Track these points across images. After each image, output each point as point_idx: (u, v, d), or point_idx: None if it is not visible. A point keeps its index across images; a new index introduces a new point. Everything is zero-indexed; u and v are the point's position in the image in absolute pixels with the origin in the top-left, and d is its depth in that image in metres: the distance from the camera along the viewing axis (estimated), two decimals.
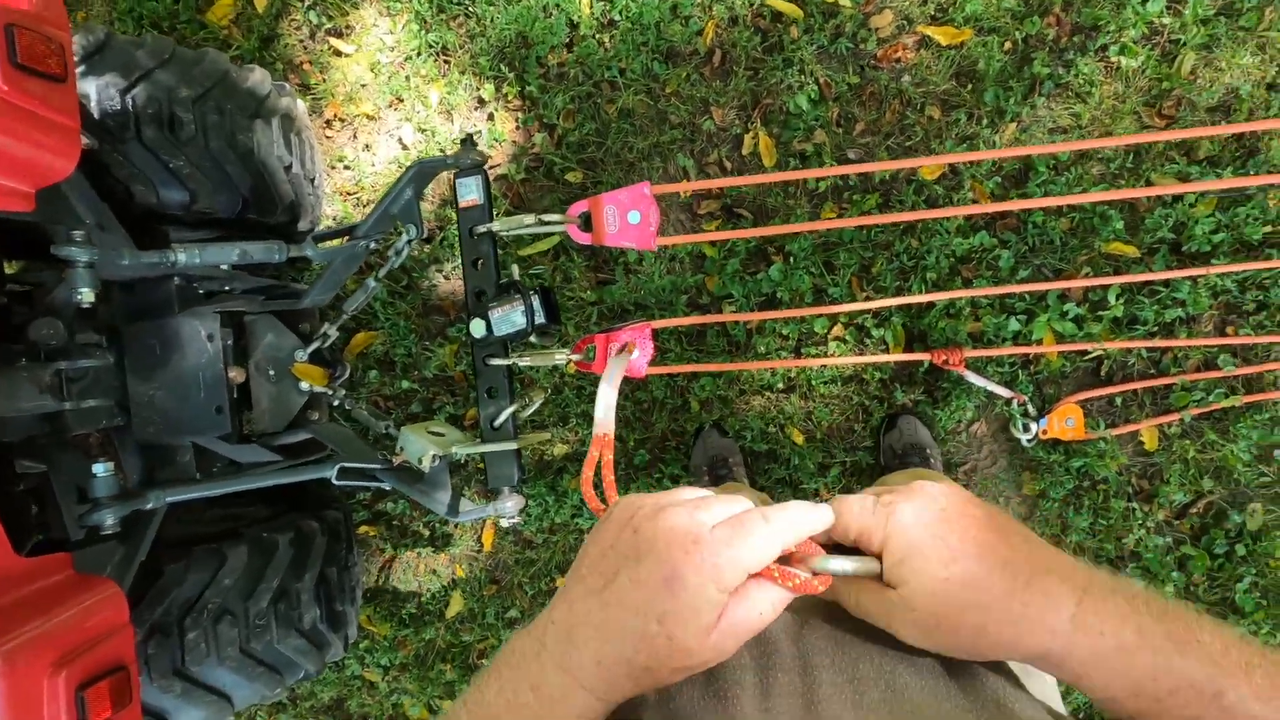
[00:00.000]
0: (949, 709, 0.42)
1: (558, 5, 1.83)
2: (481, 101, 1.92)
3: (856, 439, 1.80)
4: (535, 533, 1.87)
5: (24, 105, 0.90)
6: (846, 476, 1.81)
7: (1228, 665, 0.40)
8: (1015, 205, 1.42)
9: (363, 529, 1.91)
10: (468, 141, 1.35)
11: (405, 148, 1.93)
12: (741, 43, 1.79)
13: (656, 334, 1.81)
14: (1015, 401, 1.69)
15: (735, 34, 1.80)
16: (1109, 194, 1.37)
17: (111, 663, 0.91)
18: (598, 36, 1.86)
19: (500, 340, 1.30)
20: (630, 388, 1.82)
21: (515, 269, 1.29)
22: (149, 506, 1.12)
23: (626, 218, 1.30)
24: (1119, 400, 1.71)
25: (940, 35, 1.73)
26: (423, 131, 1.92)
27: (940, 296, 1.63)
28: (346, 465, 1.36)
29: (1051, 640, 0.41)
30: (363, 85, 1.93)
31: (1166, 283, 1.66)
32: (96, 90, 1.23)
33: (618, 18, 1.84)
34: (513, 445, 1.28)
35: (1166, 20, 1.65)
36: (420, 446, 1.34)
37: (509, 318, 1.23)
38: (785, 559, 0.43)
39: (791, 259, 1.76)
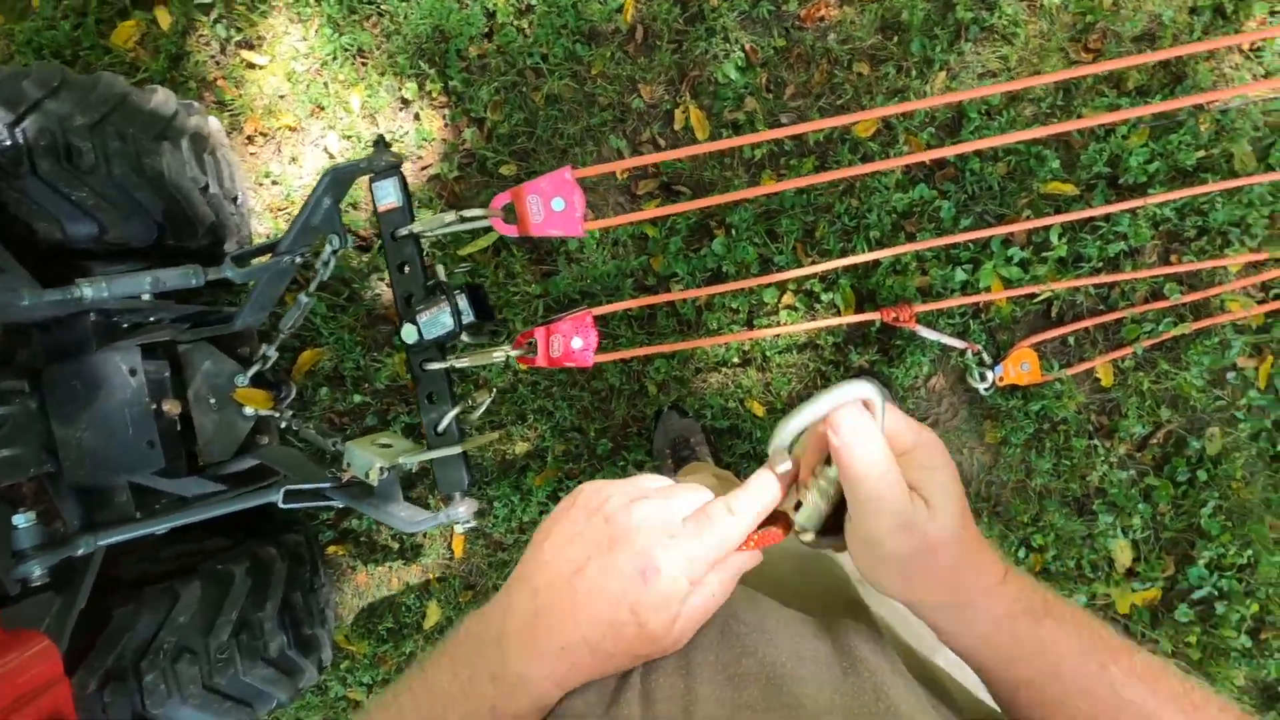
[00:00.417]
0: (827, 699, 0.40)
1: None
2: (405, 102, 1.87)
3: None
4: (505, 533, 1.85)
5: None
6: None
7: (1115, 645, 0.44)
8: (949, 151, 1.40)
9: (331, 549, 1.88)
10: (380, 143, 1.31)
11: (332, 157, 1.88)
12: (662, 15, 1.76)
13: (605, 321, 1.78)
14: (969, 351, 1.69)
15: (655, 7, 1.76)
16: (1041, 130, 1.36)
17: (47, 717, 0.87)
18: (516, 23, 1.81)
19: (435, 344, 1.27)
20: (585, 377, 1.80)
21: (441, 269, 1.25)
22: (80, 553, 1.08)
23: (551, 206, 1.27)
24: (1071, 340, 1.71)
25: None
26: (348, 138, 1.86)
27: (884, 254, 1.61)
28: (293, 488, 1.32)
29: (981, 594, 0.44)
30: (281, 96, 1.87)
31: (1107, 217, 1.65)
32: None
33: (534, 2, 1.79)
34: (457, 449, 1.25)
35: None
36: (366, 460, 1.31)
37: (437, 320, 1.19)
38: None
39: (733, 231, 1.73)
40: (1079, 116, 1.67)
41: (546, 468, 1.81)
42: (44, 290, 1.10)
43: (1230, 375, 1.69)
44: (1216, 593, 1.68)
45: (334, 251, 1.38)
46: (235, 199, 1.67)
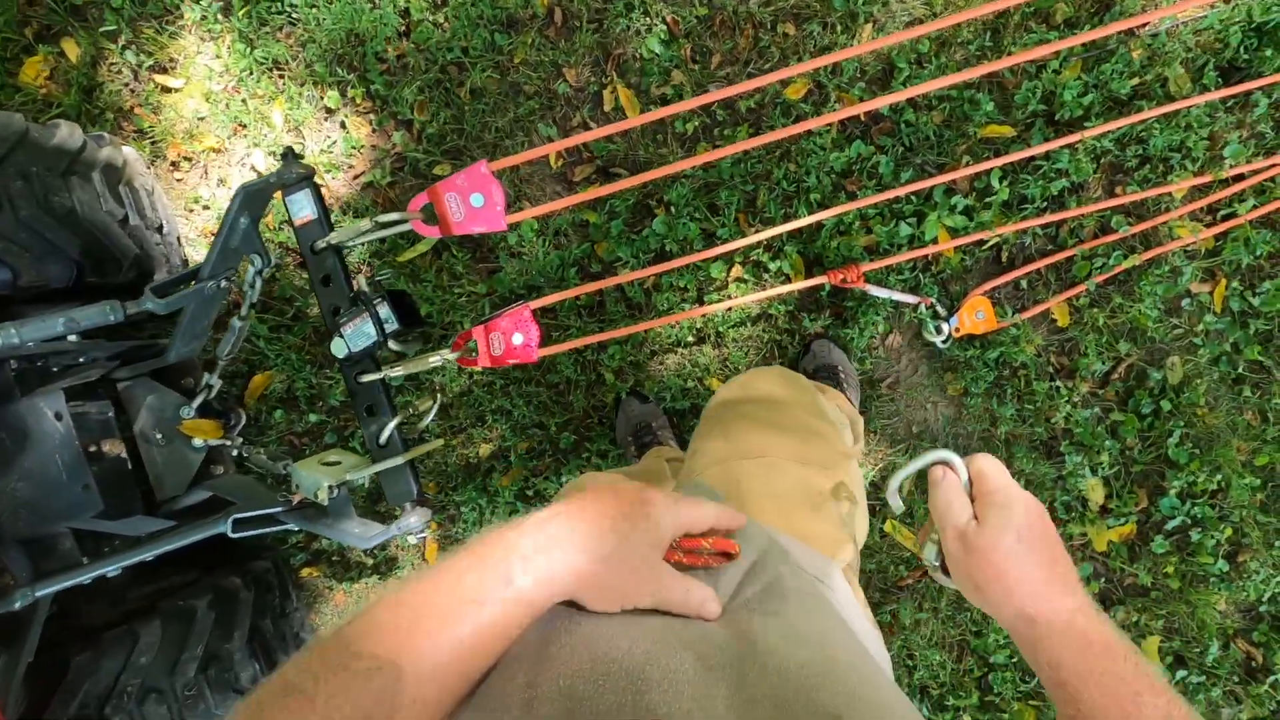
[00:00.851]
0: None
1: None
2: (329, 111, 1.82)
3: None
4: None
5: None
6: None
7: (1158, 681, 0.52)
8: (881, 101, 1.37)
9: (305, 571, 1.86)
10: (289, 155, 1.27)
11: (260, 175, 1.84)
12: None
13: (553, 312, 1.76)
14: (923, 305, 1.67)
15: None
16: (971, 71, 1.32)
17: None
18: (432, 19, 1.76)
19: (368, 355, 1.24)
20: (540, 372, 1.77)
21: (362, 279, 1.22)
22: (17, 606, 1.06)
23: (470, 202, 1.24)
24: (1024, 283, 1.69)
25: None
26: (274, 155, 1.82)
27: (826, 215, 1.59)
28: (241, 515, 1.30)
29: (1048, 609, 0.55)
30: (201, 118, 1.83)
31: (1047, 156, 1.63)
32: None
33: None
34: (400, 460, 1.22)
35: None
36: (314, 480, 1.29)
37: (361, 331, 1.17)
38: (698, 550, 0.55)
39: (673, 209, 1.71)
40: (1009, 55, 1.63)
41: (511, 467, 1.79)
42: None
43: (1185, 302, 1.68)
44: (1190, 521, 1.67)
45: (258, 272, 1.34)
46: (160, 228, 1.63)
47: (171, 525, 1.35)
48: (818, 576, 0.68)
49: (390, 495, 1.27)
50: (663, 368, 1.77)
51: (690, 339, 1.76)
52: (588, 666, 0.43)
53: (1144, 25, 1.62)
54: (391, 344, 1.20)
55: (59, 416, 1.23)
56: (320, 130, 1.83)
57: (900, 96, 1.47)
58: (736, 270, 1.73)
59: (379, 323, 1.15)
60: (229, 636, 1.41)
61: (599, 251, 1.75)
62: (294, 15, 1.77)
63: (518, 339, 1.37)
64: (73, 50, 1.81)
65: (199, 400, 1.54)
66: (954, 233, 1.65)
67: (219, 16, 1.78)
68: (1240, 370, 1.67)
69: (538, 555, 0.47)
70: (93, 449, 1.32)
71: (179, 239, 1.75)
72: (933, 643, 1.77)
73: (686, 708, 0.39)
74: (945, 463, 0.63)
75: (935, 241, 1.65)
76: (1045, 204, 1.65)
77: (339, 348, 1.22)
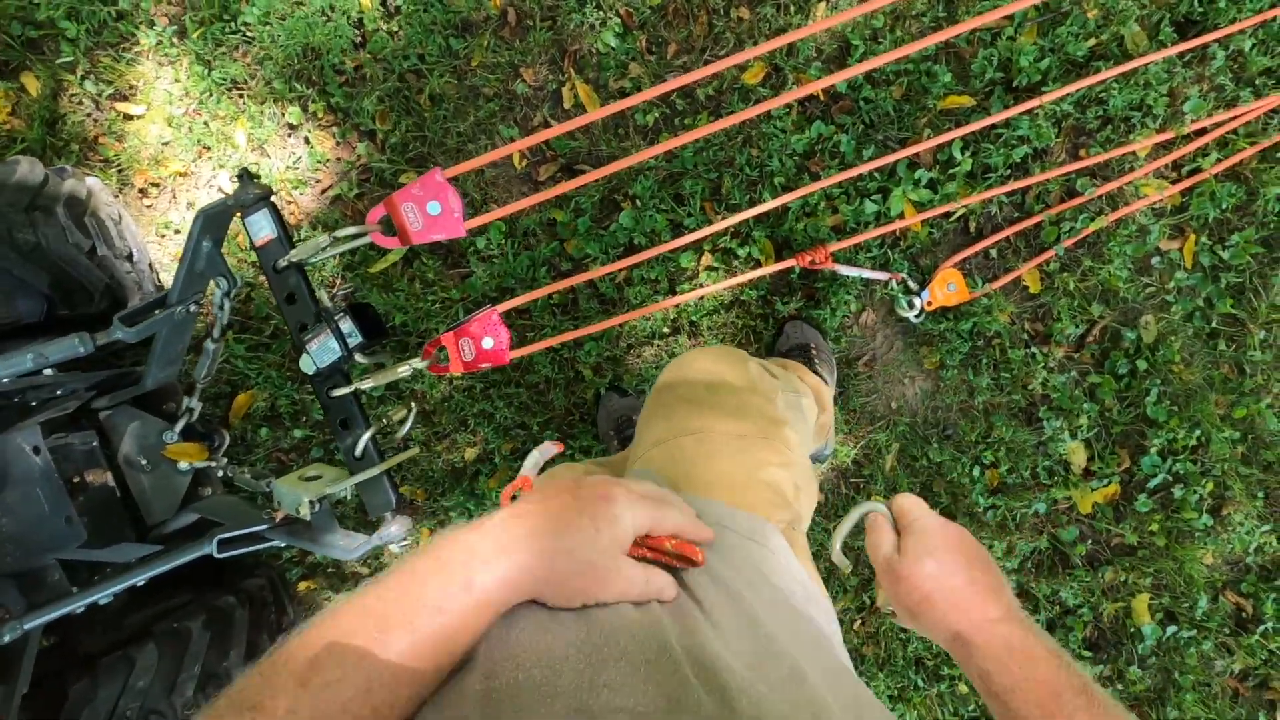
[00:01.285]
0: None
1: (332, 6, 1.73)
2: (292, 127, 1.83)
3: None
4: None
5: None
6: None
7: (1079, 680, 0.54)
8: (838, 77, 1.37)
9: (303, 585, 1.88)
10: (245, 175, 1.28)
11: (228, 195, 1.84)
12: None
13: (527, 312, 1.76)
14: (893, 281, 1.67)
15: None
16: (926, 40, 1.32)
17: None
18: (386, 28, 1.76)
19: (336, 370, 1.25)
20: (518, 373, 1.78)
21: (324, 295, 1.23)
22: (5, 640, 1.08)
23: (427, 210, 1.25)
24: (994, 252, 1.69)
25: None
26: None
27: (790, 197, 1.59)
28: (226, 535, 1.32)
29: (972, 629, 0.58)
30: (165, 143, 1.83)
31: (1007, 123, 1.63)
32: None
33: (400, 3, 1.74)
34: (376, 471, 1.24)
35: None
36: (294, 496, 1.30)
37: (326, 346, 1.18)
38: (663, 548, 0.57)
39: (639, 201, 1.71)
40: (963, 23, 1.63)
41: (497, 469, 1.81)
42: None
43: (1155, 260, 1.68)
44: (1173, 478, 1.68)
45: (225, 294, 1.35)
46: (130, 256, 1.64)
47: (158, 550, 1.37)
48: (754, 540, 0.70)
49: (370, 506, 1.29)
50: (640, 360, 1.78)
51: (665, 330, 1.77)
52: (545, 659, 0.44)
53: None
54: (360, 357, 1.21)
55: (37, 450, 1.24)
56: (285, 147, 1.84)
57: (857, 71, 1.47)
58: (707, 259, 1.73)
59: (342, 338, 1.16)
60: (225, 655, 1.43)
61: (568, 249, 1.75)
62: (248, 34, 1.77)
63: (488, 343, 1.38)
64: (32, 84, 1.82)
65: (181, 424, 1.55)
66: (920, 206, 1.66)
67: (174, 40, 1.78)
68: (1214, 325, 1.67)
69: (498, 557, 0.47)
70: (77, 479, 1.34)
71: (151, 265, 1.76)
72: None
73: (632, 701, 0.41)
74: (872, 511, 0.70)
75: (901, 217, 1.65)
76: (1009, 172, 1.65)
77: (307, 364, 1.23)
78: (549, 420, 1.80)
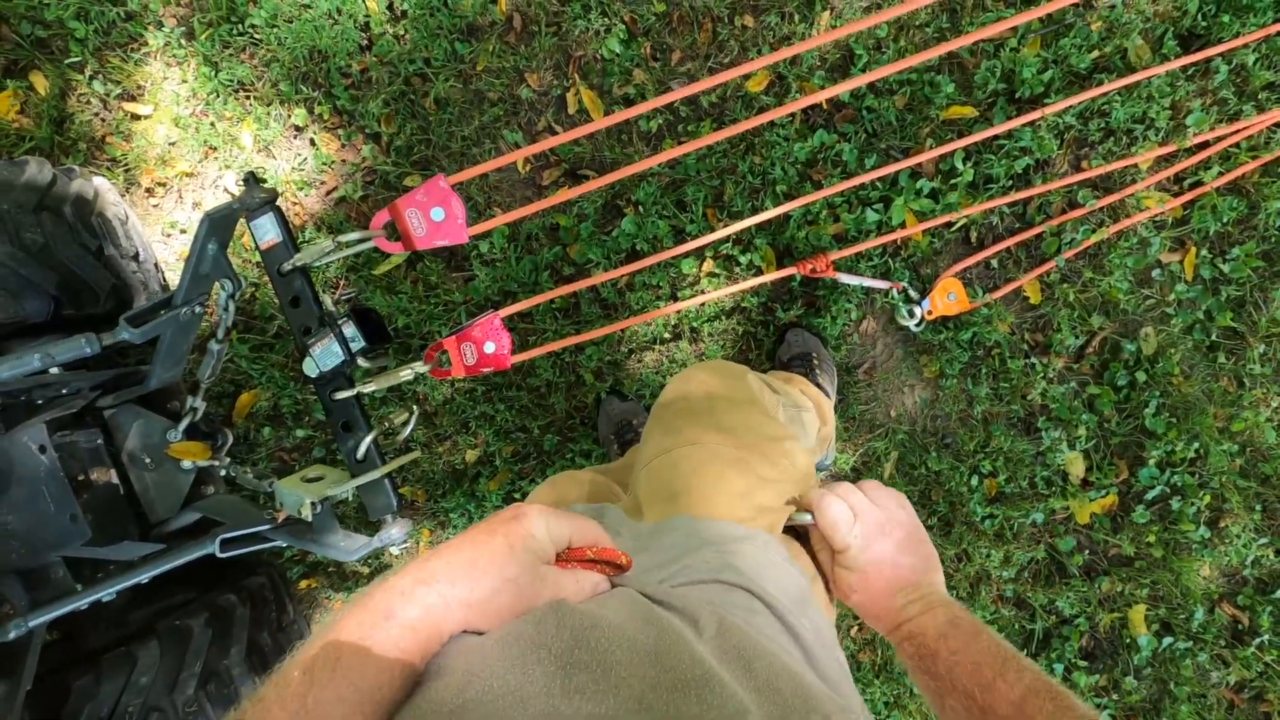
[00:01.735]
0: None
1: (340, 10, 1.74)
2: (298, 129, 1.84)
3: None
4: None
5: None
6: None
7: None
8: (841, 88, 1.38)
9: (304, 584, 1.89)
10: (250, 179, 1.29)
11: (234, 197, 1.85)
12: (536, 0, 1.72)
13: (529, 317, 1.77)
14: (894, 290, 1.68)
15: None
16: (929, 51, 1.32)
17: None
18: (392, 31, 1.77)
19: (339, 372, 1.26)
20: (519, 376, 1.79)
21: (328, 299, 1.24)
22: (11, 637, 1.09)
23: (430, 216, 1.26)
24: (995, 263, 1.70)
25: None
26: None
27: (793, 206, 1.59)
28: (228, 535, 1.33)
29: (905, 621, 0.67)
30: (172, 144, 1.85)
31: (1009, 134, 1.63)
32: None
33: (407, 7, 1.75)
34: (378, 474, 1.25)
35: None
36: (296, 497, 1.32)
37: (329, 350, 1.19)
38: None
39: (641, 208, 1.72)
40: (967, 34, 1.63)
41: (498, 471, 1.82)
42: None
43: (1156, 272, 1.68)
44: (1170, 489, 1.69)
45: (230, 296, 1.37)
46: (137, 256, 1.65)
47: (162, 548, 1.38)
48: (721, 546, 0.70)
49: (371, 508, 1.30)
50: (641, 365, 1.79)
51: (666, 336, 1.78)
52: (517, 666, 0.45)
53: None
54: (362, 361, 1.22)
55: (43, 449, 1.25)
56: (290, 148, 1.85)
57: (860, 81, 1.48)
58: (708, 265, 1.74)
59: (344, 342, 1.17)
60: (226, 652, 1.44)
61: (571, 254, 1.76)
62: (256, 36, 1.79)
63: (490, 347, 1.39)
64: (41, 84, 1.83)
65: (185, 423, 1.56)
66: (921, 216, 1.66)
67: (182, 41, 1.79)
68: (1214, 337, 1.68)
69: (417, 588, 0.48)
70: (82, 477, 1.35)
71: (157, 265, 1.78)
72: None
73: (604, 707, 0.42)
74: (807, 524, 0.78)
75: (903, 226, 1.66)
76: (1011, 182, 1.65)
77: (310, 368, 1.24)
78: (550, 424, 1.81)
